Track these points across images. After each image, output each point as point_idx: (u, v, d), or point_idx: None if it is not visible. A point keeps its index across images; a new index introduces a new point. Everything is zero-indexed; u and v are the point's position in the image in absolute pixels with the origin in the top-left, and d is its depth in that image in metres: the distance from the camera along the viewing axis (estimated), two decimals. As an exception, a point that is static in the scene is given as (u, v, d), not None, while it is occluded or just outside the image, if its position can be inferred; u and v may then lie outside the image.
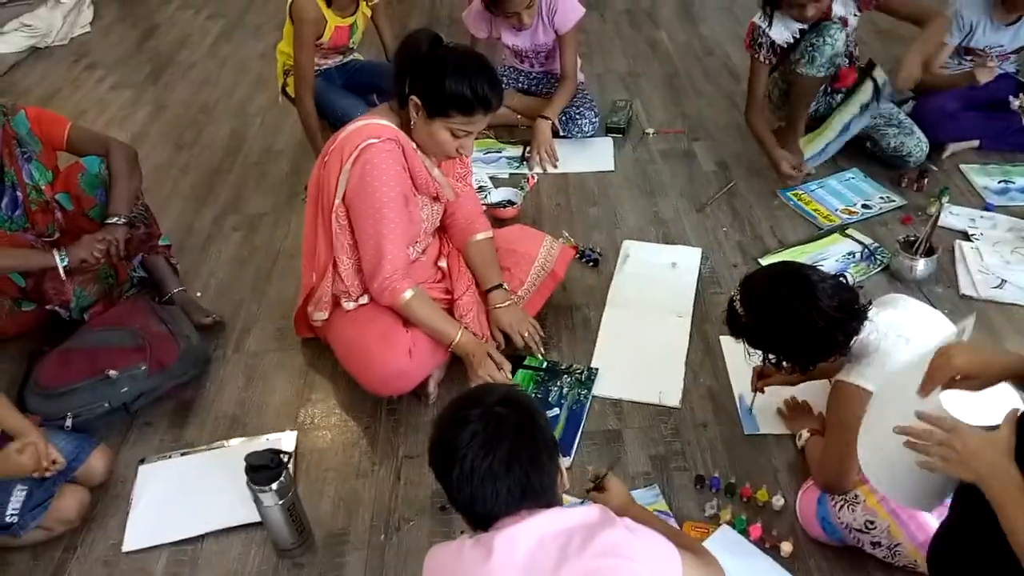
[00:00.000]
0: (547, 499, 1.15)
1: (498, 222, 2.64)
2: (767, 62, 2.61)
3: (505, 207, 2.72)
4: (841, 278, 1.57)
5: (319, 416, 2.04)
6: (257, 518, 1.68)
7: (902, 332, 1.52)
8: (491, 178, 2.94)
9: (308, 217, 2.00)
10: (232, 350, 2.26)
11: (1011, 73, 2.90)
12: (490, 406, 1.15)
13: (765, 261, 2.40)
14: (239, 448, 1.93)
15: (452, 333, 1.89)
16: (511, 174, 2.99)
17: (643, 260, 2.48)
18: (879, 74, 2.64)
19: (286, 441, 1.95)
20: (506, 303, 2.07)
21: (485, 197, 2.76)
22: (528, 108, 3.15)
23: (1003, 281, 2.28)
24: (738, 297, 1.61)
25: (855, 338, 1.52)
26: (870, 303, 1.56)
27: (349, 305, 1.99)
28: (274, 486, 1.57)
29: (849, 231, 2.51)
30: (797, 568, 1.60)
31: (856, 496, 1.59)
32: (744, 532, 1.67)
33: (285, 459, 1.60)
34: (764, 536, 1.66)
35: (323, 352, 2.17)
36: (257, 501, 1.59)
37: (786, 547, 1.62)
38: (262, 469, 1.56)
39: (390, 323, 1.91)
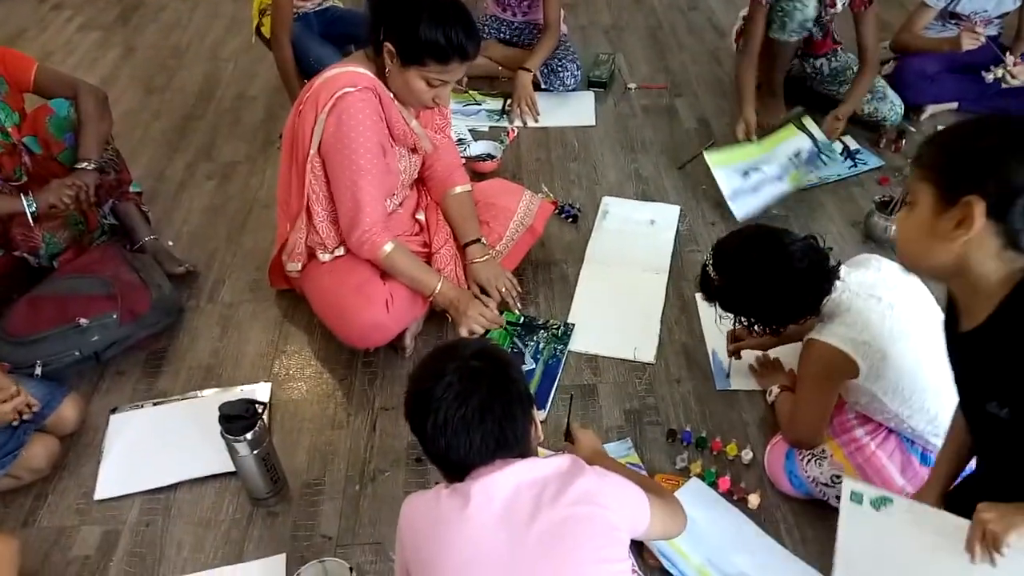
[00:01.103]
0: (520, 450, 1.16)
1: (477, 175, 2.61)
2: (764, 3, 2.57)
3: (485, 160, 2.69)
4: (812, 240, 1.58)
5: (294, 368, 2.03)
6: (231, 467, 1.68)
7: (873, 291, 1.53)
8: (471, 131, 2.90)
9: (282, 166, 1.96)
10: (206, 300, 2.24)
11: (993, 36, 2.89)
12: (465, 359, 1.15)
13: (709, 157, 2.48)
14: (213, 399, 1.92)
15: (432, 283, 1.88)
16: (491, 127, 2.95)
17: (622, 216, 2.48)
18: (811, 125, 2.59)
19: (260, 392, 1.95)
20: (484, 257, 2.06)
21: (465, 150, 2.73)
22: (509, 59, 3.10)
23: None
24: (710, 261, 1.61)
25: (827, 298, 1.54)
26: (839, 264, 1.57)
27: (325, 257, 1.97)
28: (248, 436, 1.56)
29: (805, 121, 2.56)
30: (764, 520, 1.64)
31: (823, 451, 1.62)
32: (713, 484, 1.70)
33: (260, 409, 1.59)
34: (732, 488, 1.69)
35: (298, 303, 2.15)
36: (231, 451, 1.59)
37: (753, 499, 1.66)
38: (236, 419, 1.56)
39: (367, 275, 1.90)
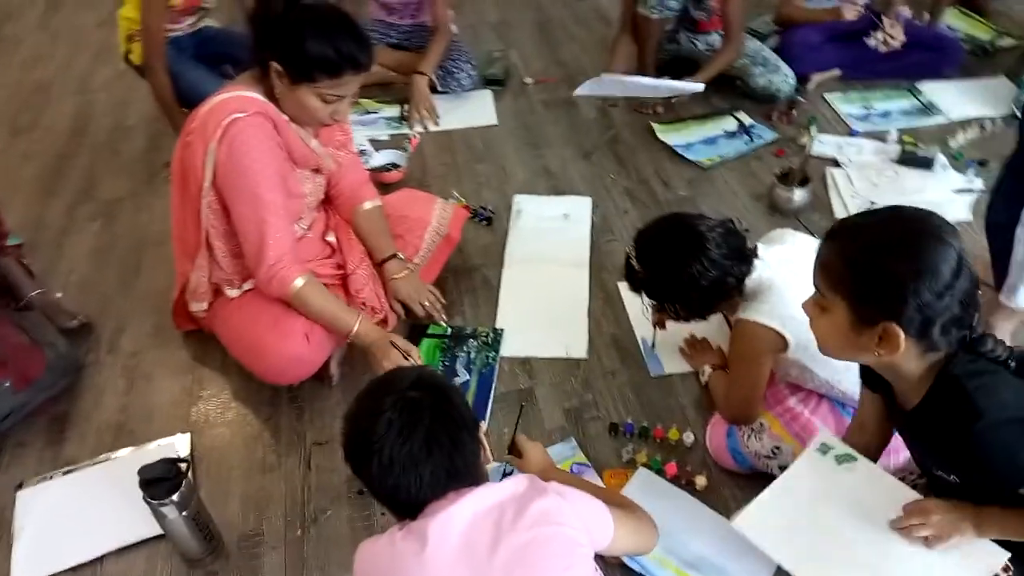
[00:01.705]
0: (472, 477, 1.12)
1: (384, 187, 2.53)
2: None
3: (389, 171, 2.61)
4: (729, 223, 1.60)
5: (213, 413, 1.91)
6: (158, 531, 1.56)
7: (791, 266, 1.56)
8: (371, 141, 2.81)
9: (175, 202, 1.83)
10: (106, 352, 2.07)
11: (867, 3, 3.02)
12: (402, 391, 1.10)
13: (658, 127, 2.70)
14: (128, 459, 1.78)
15: (350, 322, 1.78)
16: (392, 135, 2.87)
17: (535, 214, 2.46)
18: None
19: (179, 445, 1.82)
20: (402, 273, 1.99)
21: (367, 161, 2.64)
22: (401, 64, 3.02)
23: (872, 204, 2.41)
24: (633, 253, 1.61)
25: (748, 278, 1.56)
26: (755, 249, 1.60)
27: (233, 293, 1.86)
28: (175, 498, 1.45)
29: (739, 114, 2.82)
30: (713, 500, 1.65)
31: (762, 425, 1.65)
32: (660, 472, 1.70)
33: (183, 467, 1.48)
34: (679, 473, 1.70)
35: (209, 343, 2.02)
36: (158, 516, 1.48)
37: (700, 481, 1.67)
38: (158, 482, 1.45)
39: (282, 307, 1.79)
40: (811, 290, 1.53)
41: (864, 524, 1.27)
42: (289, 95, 1.68)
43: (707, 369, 1.84)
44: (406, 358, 1.76)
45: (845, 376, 1.57)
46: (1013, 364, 1.12)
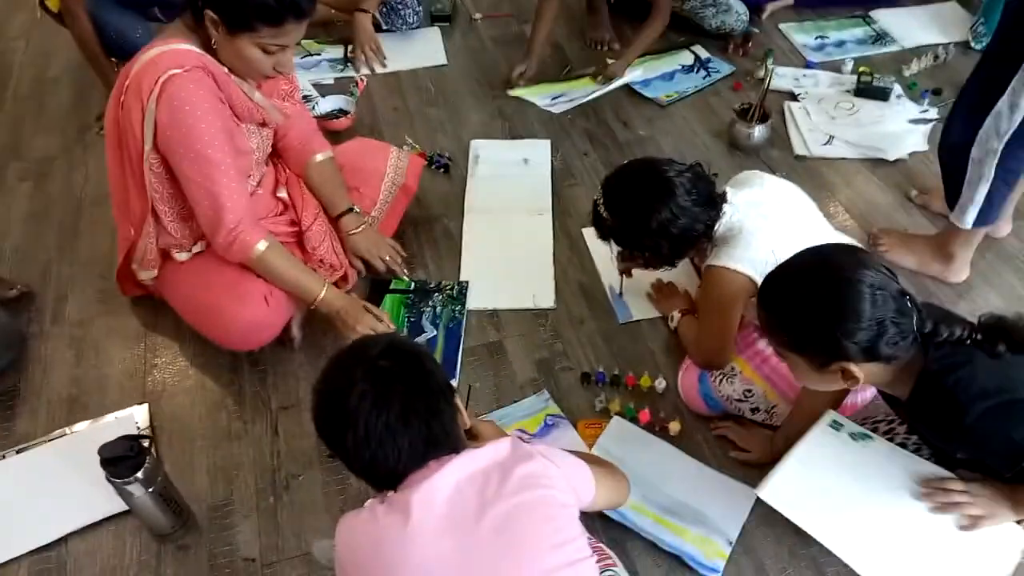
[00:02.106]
0: (452, 444, 1.09)
1: (334, 136, 2.43)
2: None
3: (337, 117, 2.50)
4: (697, 167, 1.57)
5: (171, 381, 1.84)
6: (124, 507, 1.51)
7: (761, 209, 1.55)
8: (315, 85, 2.68)
9: (112, 164, 1.71)
10: (50, 323, 1.97)
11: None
12: (373, 361, 1.06)
13: (514, 92, 2.62)
14: (86, 433, 1.72)
15: (315, 288, 1.71)
16: (337, 79, 2.74)
17: (494, 159, 2.39)
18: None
19: (138, 416, 1.75)
20: (360, 227, 1.92)
21: (314, 108, 2.52)
22: (342, 1, 2.86)
23: (831, 137, 2.41)
24: (601, 200, 1.57)
25: (718, 223, 1.54)
26: (724, 194, 1.57)
27: (183, 256, 1.77)
28: (139, 475, 1.40)
29: (695, 48, 2.78)
30: (688, 445, 1.67)
31: (733, 369, 1.66)
32: (635, 420, 1.71)
33: (146, 443, 1.42)
34: (653, 420, 1.71)
35: (160, 308, 1.93)
36: (123, 494, 1.42)
37: (674, 427, 1.69)
38: (121, 460, 1.39)
39: (237, 270, 1.71)
40: (781, 231, 1.53)
41: (891, 498, 1.29)
42: (227, 46, 1.57)
43: (676, 315, 1.84)
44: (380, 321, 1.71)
45: None
46: (979, 336, 1.16)
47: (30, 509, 1.60)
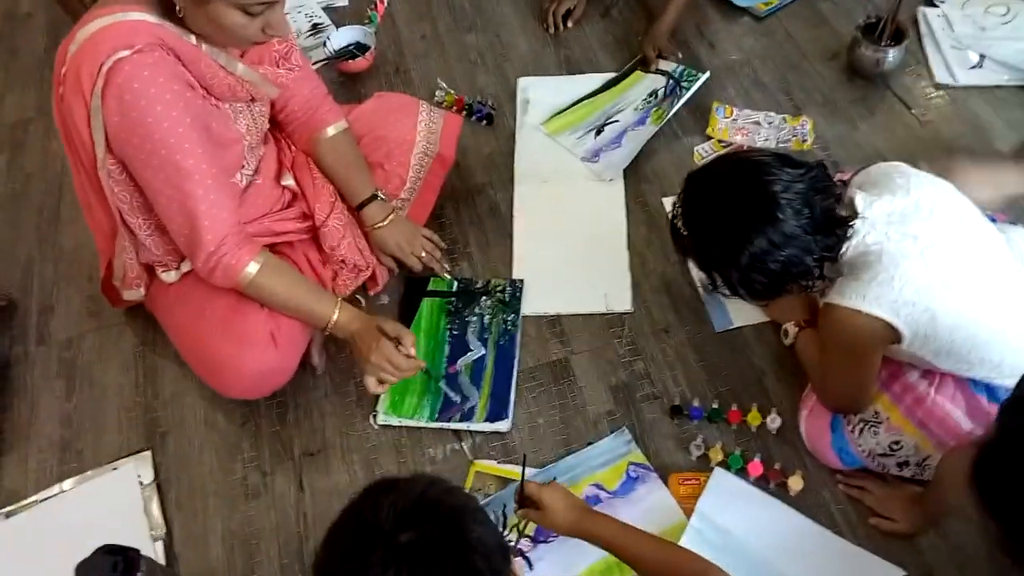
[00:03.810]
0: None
1: (351, 80, 2.00)
2: None
3: (355, 57, 2.03)
4: (818, 171, 1.12)
5: (175, 419, 1.54)
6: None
7: (906, 227, 1.11)
8: (327, 10, 2.21)
9: (71, 166, 1.35)
10: (35, 342, 1.67)
11: None
12: (392, 536, 0.72)
13: (545, 127, 1.87)
14: (80, 495, 1.46)
15: (326, 312, 1.35)
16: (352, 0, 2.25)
17: (548, 103, 1.93)
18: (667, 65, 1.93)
19: (140, 469, 1.47)
20: (387, 219, 1.53)
21: (325, 44, 2.06)
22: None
23: (981, 58, 1.86)
24: (679, 211, 1.16)
25: (843, 246, 1.12)
26: (853, 207, 1.13)
27: (170, 276, 1.42)
28: (129, 601, 1.12)
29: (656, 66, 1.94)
30: (810, 504, 1.32)
31: (877, 415, 1.27)
32: (742, 472, 1.36)
33: (133, 557, 1.13)
34: (766, 472, 1.35)
35: (157, 322, 1.61)
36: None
37: (795, 484, 1.33)
38: (103, 582, 1.10)
39: (234, 298, 1.36)
40: (932, 264, 1.11)
41: None
42: (196, 13, 1.17)
43: (791, 328, 1.43)
44: (398, 347, 1.34)
45: (976, 365, 1.20)
46: None
47: (25, 585, 1.37)
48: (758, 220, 1.08)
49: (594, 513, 1.16)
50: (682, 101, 1.80)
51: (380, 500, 0.75)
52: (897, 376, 1.28)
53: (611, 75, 1.96)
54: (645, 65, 1.93)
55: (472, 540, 0.74)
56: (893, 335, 1.13)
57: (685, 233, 1.16)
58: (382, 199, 1.55)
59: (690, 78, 1.84)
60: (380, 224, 1.54)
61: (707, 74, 1.83)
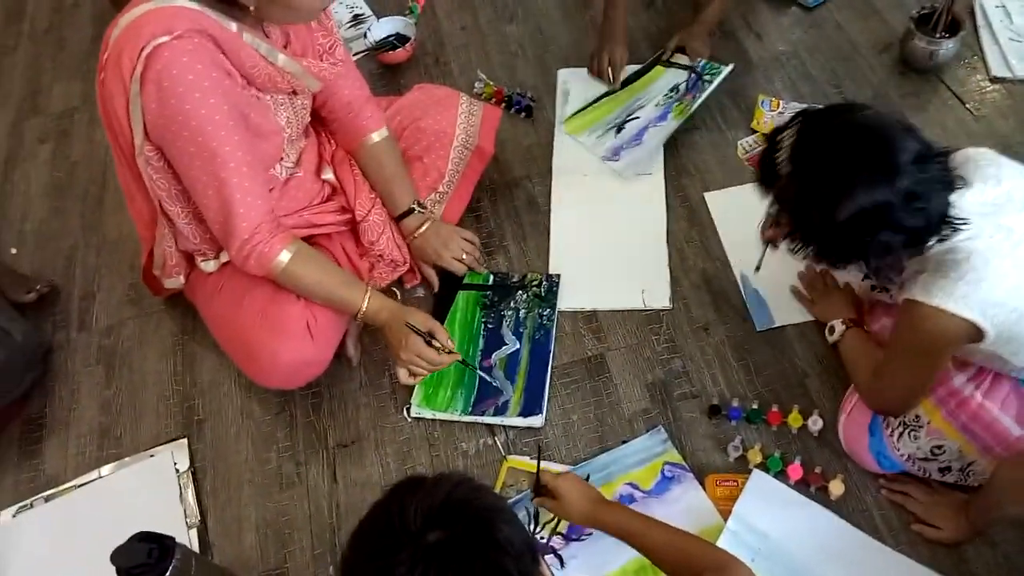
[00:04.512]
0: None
1: (391, 71, 2.00)
2: None
3: (395, 48, 2.02)
4: (944, 158, 1.05)
5: (211, 407, 1.55)
6: None
7: (999, 219, 1.06)
8: (368, 0, 2.21)
9: (113, 151, 1.36)
10: (76, 329, 1.70)
11: None
12: (419, 536, 0.71)
13: (566, 126, 1.83)
14: (118, 479, 1.48)
15: (355, 300, 1.34)
16: (393, -10, 2.24)
17: (589, 95, 1.89)
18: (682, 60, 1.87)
19: (176, 456, 1.49)
20: (423, 227, 1.53)
21: (366, 35, 2.06)
22: None
23: (1043, 50, 1.79)
24: (787, 141, 1.07)
25: (931, 240, 1.06)
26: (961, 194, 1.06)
27: (209, 266, 1.43)
28: (164, 582, 1.13)
29: (676, 58, 1.88)
30: (850, 510, 1.28)
31: (918, 419, 1.23)
32: (782, 475, 1.32)
33: (168, 545, 1.14)
34: (806, 476, 1.32)
35: (196, 310, 1.62)
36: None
37: (835, 488, 1.29)
38: (140, 569, 1.11)
39: (271, 289, 1.37)
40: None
41: None
42: None
43: (838, 326, 1.38)
44: (429, 342, 1.33)
45: None
46: None
47: (61, 566, 1.39)
48: (875, 180, 1.00)
49: (609, 503, 1.15)
50: (705, 94, 1.76)
51: (407, 500, 0.74)
52: (942, 381, 1.23)
53: (635, 67, 1.91)
54: (670, 60, 1.87)
55: (500, 540, 0.73)
56: (976, 335, 1.07)
57: (784, 169, 1.07)
58: (419, 211, 1.53)
59: (712, 71, 1.79)
60: (419, 232, 1.53)
61: (730, 66, 1.78)
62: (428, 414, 1.46)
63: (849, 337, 1.36)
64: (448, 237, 1.54)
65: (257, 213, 1.26)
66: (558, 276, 1.60)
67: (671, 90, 1.83)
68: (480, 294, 1.60)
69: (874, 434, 1.27)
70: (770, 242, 1.28)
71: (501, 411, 1.44)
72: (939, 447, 1.22)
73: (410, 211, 1.51)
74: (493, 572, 0.72)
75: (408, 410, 1.48)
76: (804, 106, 1.72)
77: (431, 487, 0.75)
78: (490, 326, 1.55)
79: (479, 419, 1.44)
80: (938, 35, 1.74)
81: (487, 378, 1.47)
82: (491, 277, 1.62)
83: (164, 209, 1.35)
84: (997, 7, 1.88)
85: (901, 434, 1.24)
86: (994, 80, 1.78)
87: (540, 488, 1.18)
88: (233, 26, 1.22)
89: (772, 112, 1.77)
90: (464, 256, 1.54)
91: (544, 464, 1.24)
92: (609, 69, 1.85)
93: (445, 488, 0.75)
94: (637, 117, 1.81)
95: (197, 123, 1.18)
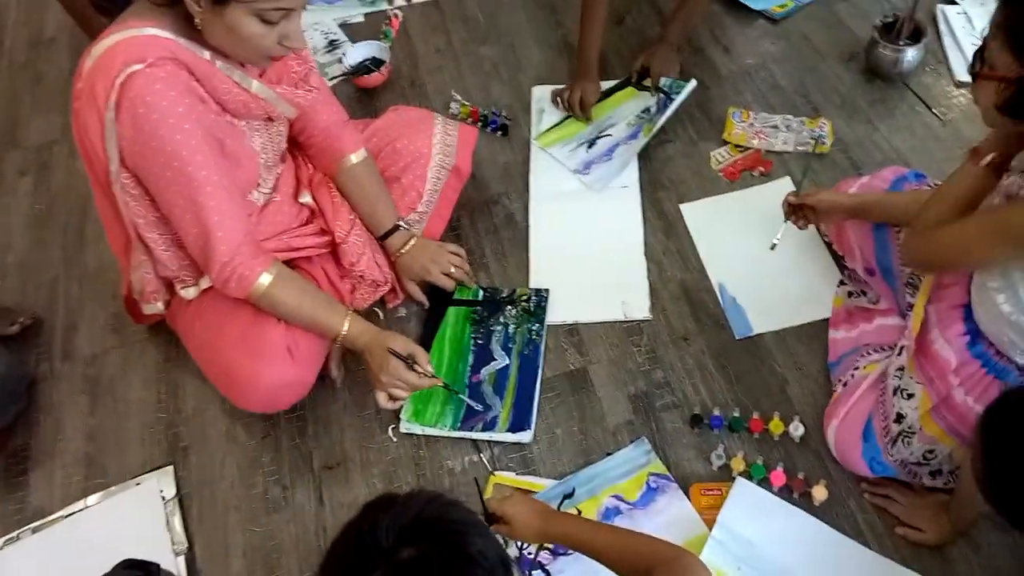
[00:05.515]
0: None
1: (368, 95, 2.02)
2: None
3: (370, 72, 2.05)
4: None
5: (196, 434, 1.55)
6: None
7: None
8: (343, 27, 2.23)
9: (90, 180, 1.37)
10: (60, 359, 1.70)
11: None
12: (392, 553, 0.71)
13: (538, 141, 1.86)
14: (103, 510, 1.47)
15: (336, 324, 1.35)
16: (367, 15, 2.27)
17: (562, 113, 1.92)
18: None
19: (162, 483, 1.49)
20: (408, 245, 1.54)
21: (341, 60, 2.08)
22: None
23: (1004, 54, 1.83)
24: None
25: None
26: None
27: (189, 293, 1.43)
28: (149, 614, 1.13)
29: (646, 81, 1.90)
30: (834, 514, 1.30)
31: (911, 427, 1.24)
32: (765, 482, 1.33)
33: (153, 569, 1.14)
34: (790, 482, 1.33)
35: (178, 338, 1.63)
36: (134, 633, 1.16)
37: (819, 493, 1.30)
38: (124, 598, 1.11)
39: (251, 314, 1.37)
40: None
41: None
42: (214, 22, 1.17)
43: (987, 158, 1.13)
44: (411, 367, 1.34)
45: None
46: None
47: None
48: None
49: (558, 515, 1.16)
50: (670, 110, 1.79)
51: (379, 517, 0.74)
52: (932, 358, 1.20)
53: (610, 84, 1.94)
54: (639, 82, 1.90)
55: (473, 554, 0.73)
56: None
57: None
58: (404, 228, 1.55)
59: (677, 88, 1.83)
60: (404, 251, 1.54)
61: (693, 82, 1.81)
62: (417, 429, 1.47)
63: (965, 169, 1.14)
64: (436, 252, 1.55)
65: (236, 235, 1.27)
66: (547, 291, 1.61)
67: (643, 112, 1.86)
68: (470, 309, 1.61)
69: (868, 440, 1.28)
70: (794, 212, 1.40)
71: (490, 426, 1.45)
72: (931, 452, 1.24)
73: (395, 228, 1.52)
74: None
75: (394, 429, 1.48)
76: (776, 118, 1.79)
77: (403, 504, 0.76)
78: (479, 341, 1.57)
79: (467, 434, 1.45)
80: (902, 43, 1.78)
81: (471, 403, 1.47)
82: (481, 292, 1.63)
83: (142, 236, 1.35)
84: (959, 14, 1.92)
85: (895, 441, 1.25)
86: (959, 85, 1.82)
87: (490, 516, 1.16)
88: (206, 54, 1.23)
89: (743, 123, 1.80)
90: (453, 270, 1.55)
91: (523, 478, 1.24)
92: (579, 106, 1.86)
93: (417, 505, 0.75)
94: (609, 135, 1.84)
95: (172, 148, 1.19)
